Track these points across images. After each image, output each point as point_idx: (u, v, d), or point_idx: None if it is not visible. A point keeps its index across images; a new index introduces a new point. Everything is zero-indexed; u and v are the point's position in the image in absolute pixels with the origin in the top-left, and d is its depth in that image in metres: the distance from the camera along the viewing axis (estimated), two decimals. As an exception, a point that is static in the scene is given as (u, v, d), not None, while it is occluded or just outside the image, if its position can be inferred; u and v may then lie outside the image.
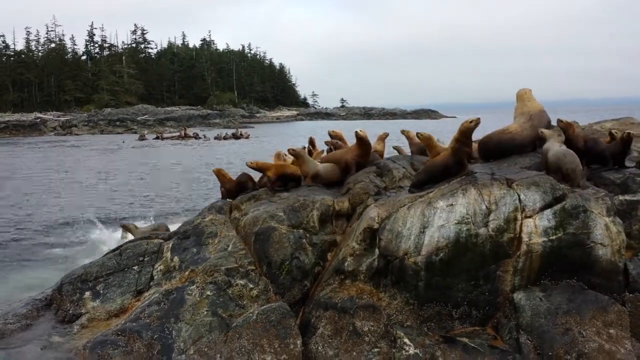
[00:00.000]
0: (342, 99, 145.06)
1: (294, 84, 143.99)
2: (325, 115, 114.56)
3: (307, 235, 7.48)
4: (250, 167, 9.26)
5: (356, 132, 8.86)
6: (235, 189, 9.70)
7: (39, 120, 74.25)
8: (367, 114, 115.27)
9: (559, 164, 6.98)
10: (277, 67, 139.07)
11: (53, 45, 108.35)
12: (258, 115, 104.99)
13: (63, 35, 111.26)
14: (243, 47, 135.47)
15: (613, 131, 8.21)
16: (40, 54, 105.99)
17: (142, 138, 55.32)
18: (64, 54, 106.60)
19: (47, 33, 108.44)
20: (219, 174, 10.02)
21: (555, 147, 7.19)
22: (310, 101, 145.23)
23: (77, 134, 68.57)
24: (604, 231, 6.31)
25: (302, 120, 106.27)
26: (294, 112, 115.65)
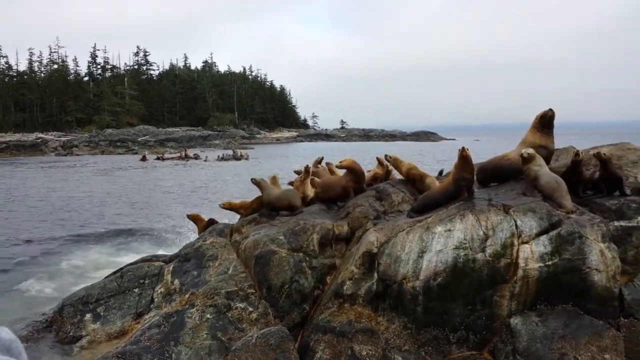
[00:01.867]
0: (342, 121, 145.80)
1: (294, 106, 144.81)
2: (325, 136, 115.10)
3: (307, 258, 7.56)
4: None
5: (339, 164, 9.37)
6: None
7: (40, 140, 74.53)
8: (367, 135, 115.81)
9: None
10: (278, 89, 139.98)
11: (55, 66, 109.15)
12: (258, 136, 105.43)
13: (66, 56, 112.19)
14: (244, 69, 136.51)
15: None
16: (42, 74, 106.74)
17: (143, 159, 55.67)
18: (66, 75, 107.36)
19: (50, 54, 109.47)
20: (197, 219, 11.08)
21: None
22: (310, 122, 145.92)
23: (77, 154, 68.77)
24: (599, 257, 6.40)
25: (302, 141, 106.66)
26: (294, 134, 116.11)
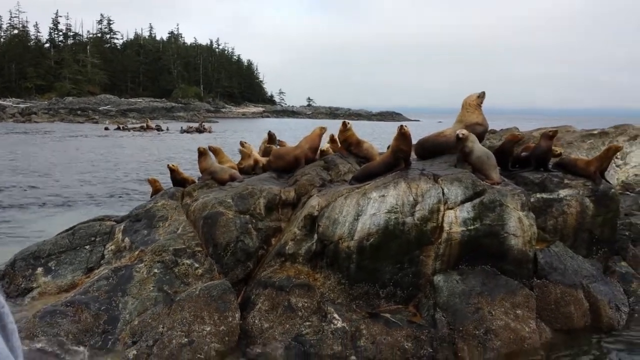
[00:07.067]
0: (308, 98, 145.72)
1: (261, 81, 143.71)
2: (292, 113, 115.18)
3: (253, 221, 7.99)
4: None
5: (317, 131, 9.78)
6: None
7: (-3, 106, 72.66)
8: (333, 113, 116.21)
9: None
10: (245, 63, 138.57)
11: (16, 31, 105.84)
12: (223, 110, 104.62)
13: (27, 21, 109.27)
14: (211, 41, 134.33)
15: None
16: (2, 40, 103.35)
17: (105, 128, 55.20)
18: (26, 40, 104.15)
19: (10, 19, 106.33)
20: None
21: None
22: (277, 99, 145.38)
23: (36, 122, 67.21)
24: (517, 223, 7.03)
25: (268, 117, 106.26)
26: (260, 109, 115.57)
